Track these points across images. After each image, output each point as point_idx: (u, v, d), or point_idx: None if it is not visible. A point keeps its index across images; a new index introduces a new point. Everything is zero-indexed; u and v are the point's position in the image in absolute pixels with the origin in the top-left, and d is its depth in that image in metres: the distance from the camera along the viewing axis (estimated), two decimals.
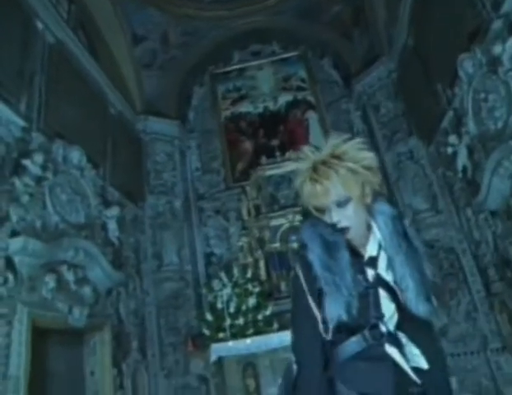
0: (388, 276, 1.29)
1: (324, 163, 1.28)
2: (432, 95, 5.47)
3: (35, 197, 3.80)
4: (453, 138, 5.00)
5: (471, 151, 4.79)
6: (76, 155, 4.40)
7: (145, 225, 6.66)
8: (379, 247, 1.32)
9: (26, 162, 3.76)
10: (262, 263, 6.86)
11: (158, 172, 7.22)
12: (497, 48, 3.58)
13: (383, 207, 1.36)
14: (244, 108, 8.44)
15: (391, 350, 1.25)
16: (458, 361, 5.59)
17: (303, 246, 1.30)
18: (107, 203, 5.29)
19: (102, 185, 5.31)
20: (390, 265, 1.30)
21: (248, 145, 8.19)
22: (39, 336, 3.67)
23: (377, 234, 1.33)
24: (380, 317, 1.26)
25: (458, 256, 5.86)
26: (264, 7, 7.92)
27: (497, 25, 3.64)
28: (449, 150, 5.09)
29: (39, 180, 3.88)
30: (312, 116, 8.10)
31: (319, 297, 1.24)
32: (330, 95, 8.15)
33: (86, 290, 4.22)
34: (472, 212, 5.30)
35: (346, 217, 1.26)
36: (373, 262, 1.30)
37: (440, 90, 5.22)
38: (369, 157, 1.30)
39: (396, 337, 1.27)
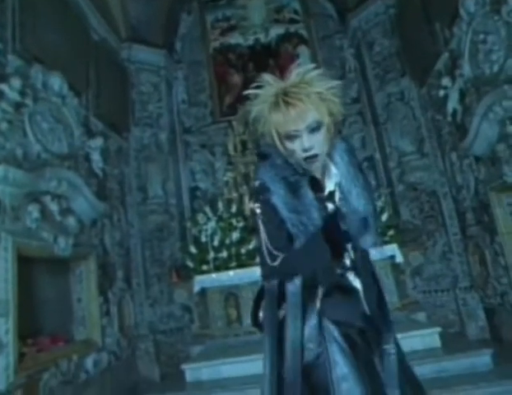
0: (342, 208, 1.33)
1: (294, 87, 1.25)
2: (429, 35, 5.27)
3: (14, 124, 3.64)
4: (446, 80, 4.90)
5: (463, 95, 4.72)
6: (56, 81, 4.16)
7: (130, 157, 6.54)
8: (336, 181, 1.34)
9: (3, 86, 3.56)
10: (246, 199, 6.90)
11: (143, 103, 6.97)
12: None
13: (339, 141, 1.38)
14: (234, 39, 8.02)
15: (356, 282, 1.32)
16: (429, 298, 5.94)
17: (264, 189, 1.28)
18: (90, 134, 5.13)
19: (85, 115, 5.11)
20: (344, 197, 1.33)
21: (236, 78, 7.89)
22: (26, 264, 3.71)
23: (333, 169, 1.35)
24: (345, 249, 1.31)
25: (439, 199, 6.00)
26: None
27: None
28: (441, 92, 5.01)
29: (17, 107, 3.70)
30: (304, 51, 7.76)
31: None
32: (324, 29, 7.77)
33: (71, 221, 4.20)
34: (457, 157, 5.35)
35: (317, 143, 1.26)
36: (331, 196, 1.33)
37: (438, 29, 5.02)
38: (335, 85, 1.29)
39: (355, 268, 1.34)
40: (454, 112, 4.94)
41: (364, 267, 1.33)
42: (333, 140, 1.35)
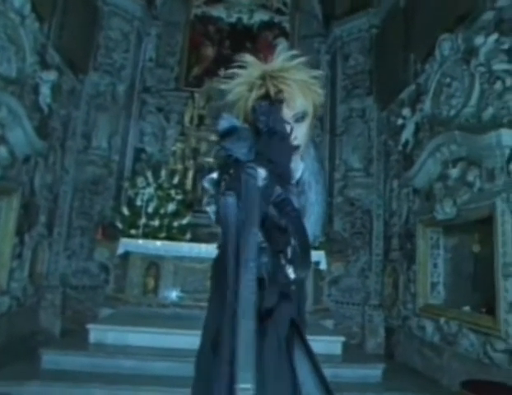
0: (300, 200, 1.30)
1: (281, 71, 1.20)
2: (403, 64, 5.49)
3: None
4: (406, 111, 5.14)
5: (418, 128, 4.99)
6: None
7: (81, 100, 6.14)
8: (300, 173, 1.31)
9: None
10: (191, 173, 6.81)
11: (108, 49, 6.56)
12: (479, 40, 3.62)
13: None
14: (217, 12, 7.79)
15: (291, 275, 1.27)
16: (340, 308, 6.27)
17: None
18: (45, 65, 4.75)
19: (43, 43, 4.71)
20: (303, 190, 1.31)
21: (210, 51, 7.68)
22: None
23: (299, 161, 1.30)
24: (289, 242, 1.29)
25: (371, 219, 6.30)
26: None
27: (488, 16, 3.65)
28: (399, 121, 5.25)
29: None
30: (282, 44, 7.72)
31: None
32: (307, 28, 7.79)
33: (2, 151, 3.86)
34: (398, 184, 5.65)
35: (300, 134, 1.23)
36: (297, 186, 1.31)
37: (412, 60, 5.25)
38: (319, 76, 1.26)
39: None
40: (406, 142, 5.20)
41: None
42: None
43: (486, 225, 3.73)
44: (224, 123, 1.16)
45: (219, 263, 1.25)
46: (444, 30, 4.27)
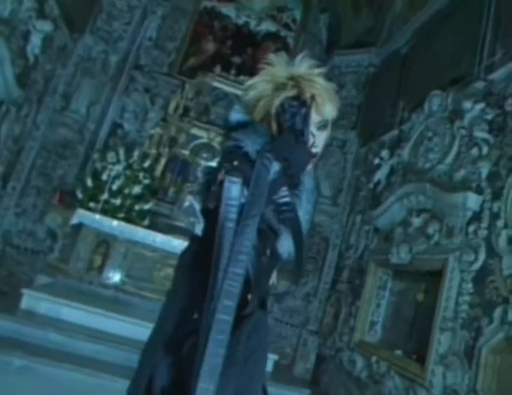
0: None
1: (311, 75, 1.20)
2: (391, 107, 5.67)
3: None
4: (385, 153, 5.30)
5: (391, 172, 5.15)
6: None
7: (70, 60, 5.95)
8: None
9: None
10: (163, 161, 6.69)
11: (110, 16, 6.44)
12: (467, 104, 3.80)
13: None
14: (227, 10, 7.82)
15: None
16: (278, 326, 6.28)
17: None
18: (42, 14, 4.57)
19: None
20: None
21: (210, 46, 7.66)
22: None
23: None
24: None
25: (327, 247, 6.39)
26: None
27: (479, 85, 3.84)
28: (376, 160, 5.40)
29: None
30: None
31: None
32: (309, 49, 7.86)
33: None
34: (360, 220, 5.79)
35: (321, 143, 1.22)
36: None
37: (401, 108, 5.43)
38: (335, 89, 1.27)
39: None
40: (378, 182, 5.36)
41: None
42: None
43: (434, 277, 3.88)
44: (236, 115, 1.16)
45: (191, 254, 1.22)
46: (437, 86, 4.46)
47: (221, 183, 1.02)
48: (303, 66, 1.22)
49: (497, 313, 3.05)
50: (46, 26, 4.58)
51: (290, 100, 1.11)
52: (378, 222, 5.10)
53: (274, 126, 1.14)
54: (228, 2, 7.87)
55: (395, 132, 5.35)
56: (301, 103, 1.09)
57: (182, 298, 1.16)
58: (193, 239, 1.27)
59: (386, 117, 5.76)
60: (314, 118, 1.16)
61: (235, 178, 1.00)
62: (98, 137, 6.70)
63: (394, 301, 4.94)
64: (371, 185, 5.55)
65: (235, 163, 1.02)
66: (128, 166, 5.88)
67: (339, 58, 7.19)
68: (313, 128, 1.16)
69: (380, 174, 5.31)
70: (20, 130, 5.20)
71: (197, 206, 1.23)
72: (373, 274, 5.07)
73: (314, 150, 1.17)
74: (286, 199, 1.08)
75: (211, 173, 1.13)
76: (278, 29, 7.96)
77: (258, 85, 1.22)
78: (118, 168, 5.79)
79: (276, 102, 1.14)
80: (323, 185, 6.64)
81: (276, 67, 1.22)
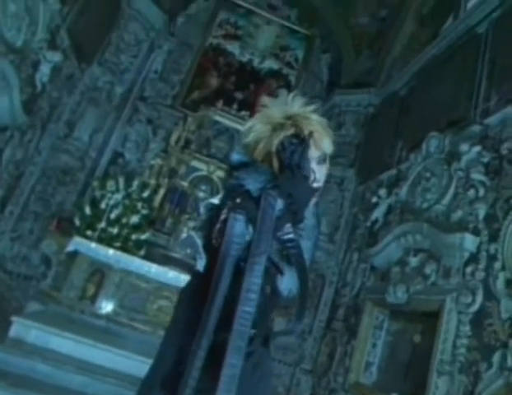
0: None
1: (307, 113, 1.24)
2: (389, 147, 5.77)
3: None
4: (383, 191, 5.34)
5: (389, 211, 5.17)
6: None
7: (76, 89, 6.08)
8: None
9: None
10: (162, 192, 6.74)
11: (118, 49, 6.65)
12: (463, 147, 3.87)
13: None
14: (232, 47, 8.09)
15: None
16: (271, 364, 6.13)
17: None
18: (53, 45, 4.71)
19: (58, 24, 4.70)
20: None
21: (214, 81, 7.87)
22: None
23: None
24: None
25: (324, 284, 6.32)
26: None
27: (475, 129, 3.94)
28: (374, 199, 5.44)
29: None
30: (283, 95, 8.02)
31: None
32: (310, 87, 8.13)
33: None
34: (357, 258, 5.76)
35: (322, 177, 1.24)
36: None
37: (399, 148, 5.53)
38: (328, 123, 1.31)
39: None
40: (376, 220, 5.37)
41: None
42: None
43: (431, 318, 3.83)
44: (237, 156, 1.20)
45: (191, 290, 1.22)
46: (435, 128, 4.55)
47: (225, 220, 1.03)
48: (296, 104, 1.27)
49: (496, 357, 3.00)
50: (56, 57, 4.71)
51: (290, 138, 1.14)
52: (375, 260, 5.08)
53: (276, 164, 1.16)
54: (233, 40, 8.13)
55: (393, 172, 5.41)
56: (301, 140, 1.13)
57: (180, 334, 1.14)
58: (194, 275, 1.26)
59: (384, 156, 5.84)
60: (314, 153, 1.20)
61: (238, 216, 1.01)
62: (99, 164, 6.75)
63: (390, 341, 4.85)
64: (368, 223, 5.56)
65: (238, 200, 1.04)
66: (127, 195, 5.90)
67: (339, 97, 7.38)
68: (313, 164, 1.18)
69: (378, 213, 5.33)
70: (23, 155, 5.25)
71: (200, 242, 1.22)
72: (369, 313, 5.01)
73: (315, 185, 1.19)
74: (291, 236, 1.08)
75: (213, 209, 1.15)
76: (281, 67, 8.20)
77: (257, 128, 1.25)
78: (117, 197, 5.81)
79: (276, 141, 1.17)
80: (321, 222, 6.64)
81: (272, 109, 1.27)
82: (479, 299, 3.35)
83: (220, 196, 1.19)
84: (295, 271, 1.11)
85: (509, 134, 3.58)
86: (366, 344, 4.91)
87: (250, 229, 1.01)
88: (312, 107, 1.28)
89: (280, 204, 1.03)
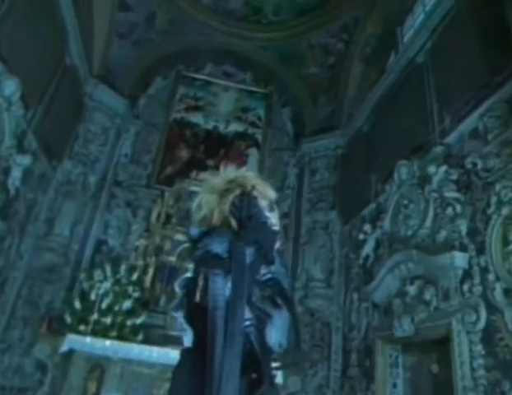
0: None
1: (244, 175, 1.38)
2: (365, 183, 5.91)
3: None
4: (367, 227, 5.40)
5: (378, 244, 5.20)
6: (11, 86, 3.97)
7: (50, 187, 6.12)
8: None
9: None
10: (151, 271, 6.61)
11: (86, 141, 6.80)
12: (432, 169, 4.01)
13: None
14: (196, 118, 8.36)
15: None
16: None
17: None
18: (21, 149, 4.80)
19: (24, 130, 4.81)
20: None
21: (184, 153, 8.04)
22: None
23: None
24: None
25: (330, 332, 6.17)
26: (254, 37, 8.18)
27: (438, 150, 4.11)
28: (361, 236, 5.49)
29: None
30: (253, 154, 8.26)
31: None
32: (277, 142, 8.40)
33: None
34: (358, 297, 5.69)
35: (276, 221, 1.37)
36: None
37: (373, 181, 5.67)
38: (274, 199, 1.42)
39: None
40: (367, 257, 5.38)
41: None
42: None
43: (443, 344, 3.75)
44: (196, 229, 1.29)
45: (183, 367, 1.19)
46: (402, 157, 4.73)
47: (206, 278, 1.09)
48: (230, 171, 1.41)
49: None
50: (26, 160, 4.78)
51: (239, 197, 1.27)
52: (375, 297, 5.02)
53: (234, 224, 1.25)
54: (195, 111, 8.42)
55: (373, 206, 5.52)
56: (248, 194, 1.27)
57: None
58: (183, 352, 1.26)
59: (362, 192, 5.97)
60: (263, 203, 1.32)
61: (216, 271, 1.08)
62: (83, 256, 6.65)
63: (409, 377, 4.69)
64: (361, 261, 5.56)
65: (211, 262, 1.11)
66: (116, 282, 5.77)
67: (307, 146, 7.64)
68: (266, 212, 1.30)
69: (367, 249, 5.36)
70: (4, 262, 5.15)
71: (181, 319, 1.25)
72: (381, 352, 4.88)
73: (274, 228, 1.31)
74: (268, 275, 1.18)
75: (188, 283, 1.21)
76: (246, 128, 8.46)
77: (206, 200, 1.35)
78: (106, 285, 5.68)
79: (228, 204, 1.28)
80: (314, 268, 6.61)
81: (213, 180, 1.39)
82: (483, 315, 3.33)
83: (191, 270, 1.24)
84: (281, 308, 1.18)
85: (470, 148, 3.75)
86: (386, 386, 4.73)
87: (229, 284, 1.07)
88: (244, 168, 1.44)
89: (250, 250, 1.12)
